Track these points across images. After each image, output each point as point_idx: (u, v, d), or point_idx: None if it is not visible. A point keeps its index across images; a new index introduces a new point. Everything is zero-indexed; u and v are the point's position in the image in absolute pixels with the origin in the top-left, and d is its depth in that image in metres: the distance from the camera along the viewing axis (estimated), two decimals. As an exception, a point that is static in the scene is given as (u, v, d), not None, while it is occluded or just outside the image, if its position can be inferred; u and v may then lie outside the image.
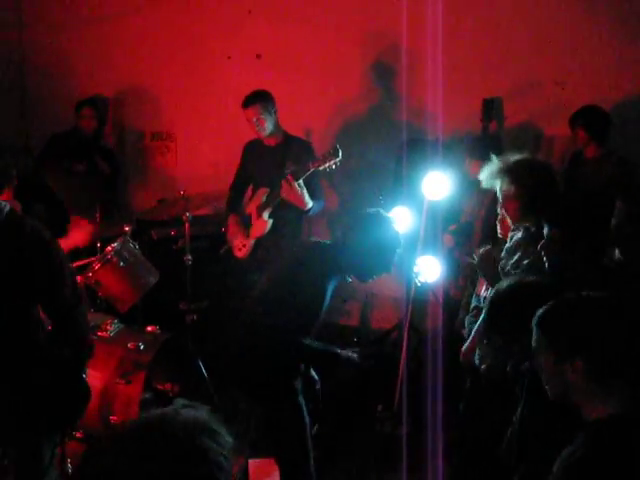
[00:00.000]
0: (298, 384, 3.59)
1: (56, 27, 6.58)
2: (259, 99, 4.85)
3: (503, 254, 3.57)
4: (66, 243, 4.29)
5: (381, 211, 3.67)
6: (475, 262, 3.79)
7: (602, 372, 1.98)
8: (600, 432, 1.95)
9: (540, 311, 2.11)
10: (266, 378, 3.46)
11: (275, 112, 4.90)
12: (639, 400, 1.97)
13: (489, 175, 3.46)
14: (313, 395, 3.91)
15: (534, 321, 2.12)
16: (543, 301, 2.19)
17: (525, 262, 3.37)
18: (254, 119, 4.83)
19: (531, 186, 3.34)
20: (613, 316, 2.02)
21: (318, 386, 4.01)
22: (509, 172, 3.37)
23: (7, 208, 2.84)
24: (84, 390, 3.12)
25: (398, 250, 3.63)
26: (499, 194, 3.45)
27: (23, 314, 2.94)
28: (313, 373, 3.98)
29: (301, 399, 3.59)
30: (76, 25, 6.54)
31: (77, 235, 4.32)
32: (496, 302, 2.77)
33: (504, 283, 2.84)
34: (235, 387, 3.94)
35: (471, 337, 3.88)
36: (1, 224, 2.80)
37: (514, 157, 3.43)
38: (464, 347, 3.84)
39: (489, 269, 3.63)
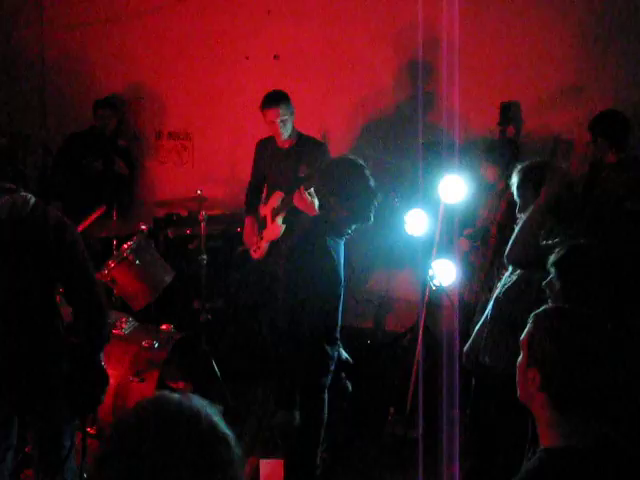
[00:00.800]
0: (327, 380, 3.59)
1: (76, 27, 6.61)
2: (282, 100, 4.82)
3: None
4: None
5: (350, 157, 3.67)
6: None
7: (559, 398, 1.87)
8: (545, 465, 1.85)
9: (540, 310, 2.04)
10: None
11: (294, 113, 4.89)
12: (592, 434, 1.86)
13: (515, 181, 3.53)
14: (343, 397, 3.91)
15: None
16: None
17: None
18: (277, 120, 4.80)
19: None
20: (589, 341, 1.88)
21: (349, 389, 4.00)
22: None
23: (32, 200, 2.95)
24: (102, 375, 3.17)
25: (375, 199, 3.58)
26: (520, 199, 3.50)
27: (47, 301, 3.05)
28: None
29: (326, 395, 3.60)
30: (95, 25, 6.56)
31: None
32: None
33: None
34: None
35: (473, 336, 3.89)
36: (27, 215, 2.90)
37: (535, 162, 3.48)
38: (466, 347, 3.86)
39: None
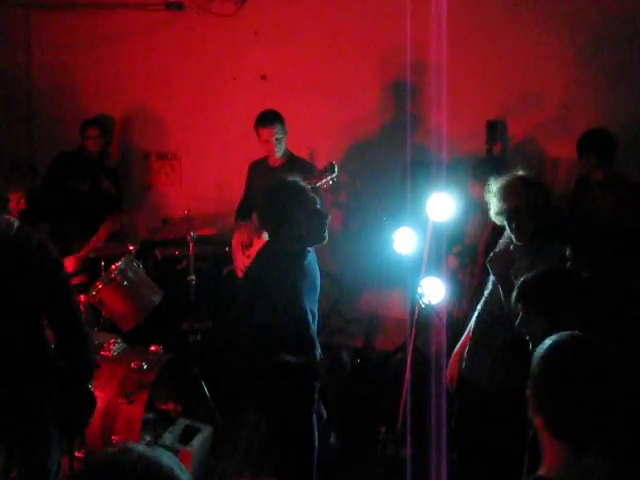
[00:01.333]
0: (313, 401, 3.57)
1: (62, 48, 6.62)
2: (276, 119, 4.88)
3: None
4: None
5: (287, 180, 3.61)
6: (489, 260, 3.80)
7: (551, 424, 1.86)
8: None
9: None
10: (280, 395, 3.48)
11: (287, 133, 4.93)
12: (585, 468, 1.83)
13: (489, 198, 3.56)
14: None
15: None
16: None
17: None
18: (272, 139, 4.85)
19: (526, 200, 3.45)
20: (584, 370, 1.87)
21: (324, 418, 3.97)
22: (501, 190, 3.46)
23: (16, 224, 2.94)
24: (90, 399, 3.18)
25: (323, 219, 3.53)
26: (499, 214, 3.54)
27: (33, 326, 3.02)
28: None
29: (314, 420, 3.59)
30: (82, 46, 6.57)
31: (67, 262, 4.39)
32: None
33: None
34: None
35: (455, 352, 3.93)
36: (10, 238, 2.89)
37: (505, 177, 3.53)
38: (449, 363, 3.91)
39: (501, 266, 3.66)
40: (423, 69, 5.32)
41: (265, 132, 4.86)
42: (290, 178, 3.58)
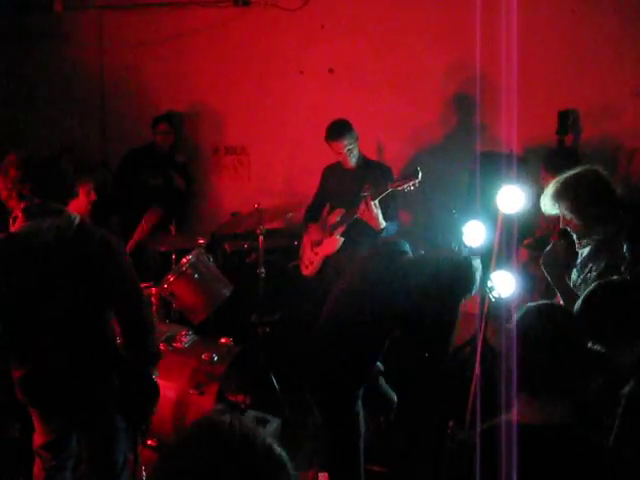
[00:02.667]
0: (359, 392, 3.57)
1: (133, 47, 6.76)
2: (346, 130, 4.85)
3: (574, 272, 3.54)
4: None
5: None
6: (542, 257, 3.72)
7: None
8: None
9: None
10: (331, 384, 3.51)
11: (358, 139, 4.91)
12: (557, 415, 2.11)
13: (547, 201, 3.48)
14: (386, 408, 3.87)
15: None
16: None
17: (594, 274, 3.32)
18: (344, 150, 4.85)
19: (584, 198, 3.35)
20: None
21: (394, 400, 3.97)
22: (559, 191, 3.37)
23: (77, 220, 2.99)
24: (153, 389, 3.20)
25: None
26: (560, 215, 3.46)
27: (98, 319, 3.08)
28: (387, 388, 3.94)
29: (359, 407, 3.58)
30: (152, 44, 6.70)
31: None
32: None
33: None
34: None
35: None
36: (71, 236, 2.94)
37: (562, 177, 3.42)
38: None
39: (554, 265, 3.57)
40: (494, 56, 5.22)
41: (336, 145, 4.87)
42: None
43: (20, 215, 2.93)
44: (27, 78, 7.03)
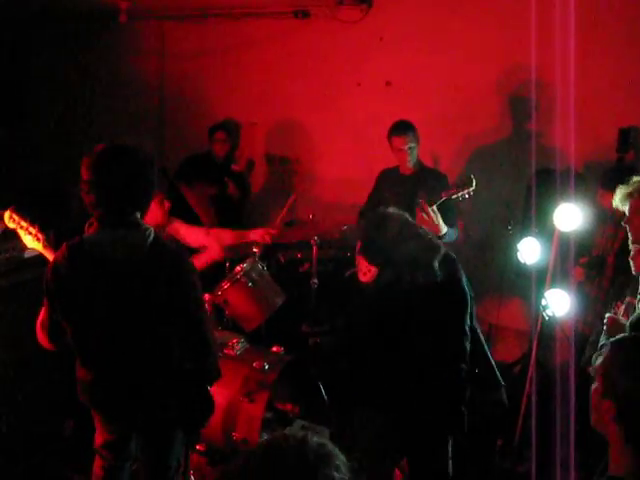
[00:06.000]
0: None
1: (192, 57, 6.88)
2: (410, 128, 4.88)
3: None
4: (205, 258, 4.50)
5: None
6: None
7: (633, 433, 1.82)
8: None
9: None
10: None
11: (419, 142, 4.92)
12: None
13: (620, 198, 3.38)
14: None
15: None
16: None
17: None
18: (406, 147, 4.86)
19: None
20: None
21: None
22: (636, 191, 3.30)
23: (152, 235, 2.92)
24: (209, 401, 3.23)
25: None
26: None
27: (166, 332, 3.04)
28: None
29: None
30: (211, 54, 6.81)
31: (213, 249, 4.50)
32: None
33: None
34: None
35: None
36: (146, 252, 2.89)
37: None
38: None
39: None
40: (551, 74, 5.18)
41: (399, 141, 4.87)
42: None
43: (95, 223, 2.88)
44: (89, 87, 7.19)
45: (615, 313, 3.60)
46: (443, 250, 3.35)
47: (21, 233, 3.32)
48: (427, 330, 3.22)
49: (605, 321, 3.51)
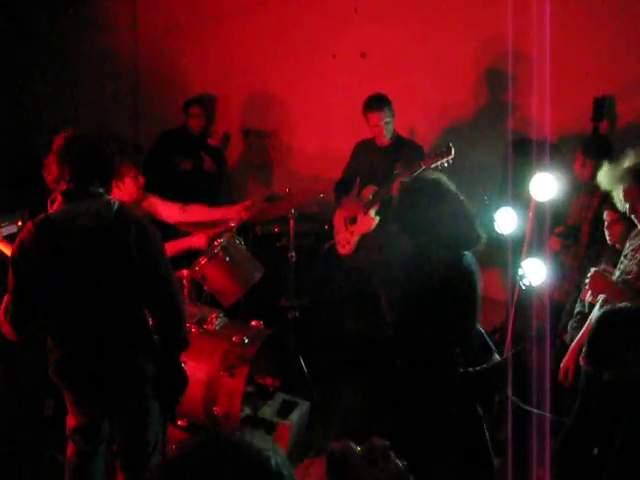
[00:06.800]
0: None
1: (167, 29, 6.79)
2: (385, 104, 4.86)
3: (621, 260, 3.51)
4: (188, 242, 4.48)
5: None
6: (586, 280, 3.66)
7: None
8: None
9: None
10: None
11: (394, 115, 4.90)
12: None
13: (610, 178, 3.40)
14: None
15: None
16: None
17: None
18: (382, 123, 4.85)
19: None
20: None
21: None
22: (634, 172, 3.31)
23: (116, 205, 2.98)
24: (181, 376, 3.22)
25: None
26: (621, 197, 3.39)
27: (134, 305, 3.09)
28: None
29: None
30: (186, 27, 6.73)
31: (199, 239, 4.49)
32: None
33: None
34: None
35: (573, 344, 3.82)
36: (110, 222, 2.93)
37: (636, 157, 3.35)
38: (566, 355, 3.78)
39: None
40: (526, 43, 5.17)
41: (374, 117, 4.86)
42: (431, 176, 3.26)
43: (59, 198, 2.93)
44: (61, 63, 7.09)
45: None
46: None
47: None
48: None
49: (589, 276, 3.56)
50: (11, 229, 4.36)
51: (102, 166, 3.02)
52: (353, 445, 1.88)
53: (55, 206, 2.94)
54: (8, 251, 3.06)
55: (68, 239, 2.87)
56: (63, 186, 2.93)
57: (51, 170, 2.93)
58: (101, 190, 2.99)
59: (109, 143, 3.08)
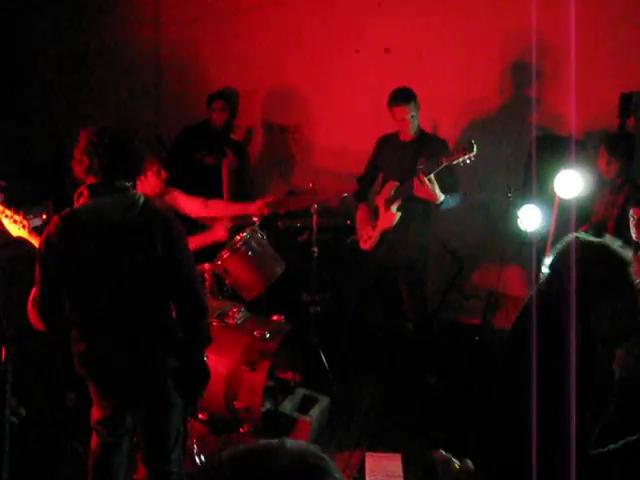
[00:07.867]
0: None
1: (189, 24, 6.79)
2: (411, 98, 4.80)
3: None
4: (210, 237, 4.50)
5: None
6: None
7: None
8: None
9: None
10: None
11: (419, 110, 4.87)
12: None
13: None
14: None
15: None
16: None
17: None
18: (408, 116, 4.80)
19: None
20: None
21: None
22: None
23: (141, 199, 3.01)
24: (203, 371, 3.25)
25: None
26: None
27: (160, 300, 3.12)
28: None
29: None
30: (209, 21, 6.72)
31: (219, 231, 4.51)
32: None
33: None
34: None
35: None
36: (136, 214, 2.97)
37: None
38: None
39: None
40: (553, 40, 5.13)
41: (400, 110, 4.81)
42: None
43: (85, 192, 2.95)
44: (83, 56, 7.12)
45: None
46: None
47: (5, 222, 3.31)
48: None
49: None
50: (36, 222, 4.39)
51: (132, 161, 3.04)
52: (454, 459, 1.89)
53: (81, 200, 2.96)
54: (37, 243, 3.08)
55: (94, 233, 2.90)
56: (91, 179, 2.95)
57: (82, 161, 2.94)
58: (127, 184, 3.02)
59: (136, 138, 3.09)
